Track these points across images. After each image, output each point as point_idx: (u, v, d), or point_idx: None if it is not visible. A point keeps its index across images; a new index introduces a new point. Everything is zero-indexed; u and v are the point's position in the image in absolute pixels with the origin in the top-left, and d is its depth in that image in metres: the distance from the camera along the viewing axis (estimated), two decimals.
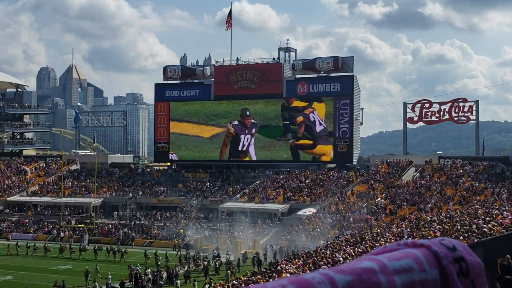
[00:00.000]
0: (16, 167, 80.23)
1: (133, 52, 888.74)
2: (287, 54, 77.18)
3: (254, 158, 73.16)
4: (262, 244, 51.59)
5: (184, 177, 72.95)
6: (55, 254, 50.45)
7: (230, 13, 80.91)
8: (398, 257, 1.31)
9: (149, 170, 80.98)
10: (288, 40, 79.22)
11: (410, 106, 71.85)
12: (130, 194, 69.51)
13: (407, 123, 72.60)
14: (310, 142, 71.02)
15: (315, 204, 59.93)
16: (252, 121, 73.24)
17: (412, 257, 1.32)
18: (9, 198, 71.51)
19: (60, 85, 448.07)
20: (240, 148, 73.68)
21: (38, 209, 69.20)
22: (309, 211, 57.88)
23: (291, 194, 63.47)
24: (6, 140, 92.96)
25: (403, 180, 61.63)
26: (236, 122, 74.01)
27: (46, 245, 52.13)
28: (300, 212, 58.47)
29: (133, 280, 38.40)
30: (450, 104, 69.51)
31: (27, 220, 65.80)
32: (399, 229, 38.78)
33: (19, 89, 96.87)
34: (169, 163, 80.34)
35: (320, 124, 70.58)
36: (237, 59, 76.92)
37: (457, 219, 34.08)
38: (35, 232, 62.72)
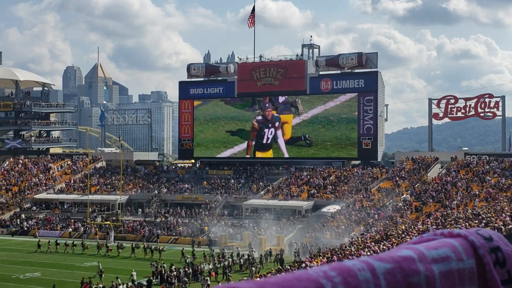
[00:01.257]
0: (43, 165, 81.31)
1: (157, 51, 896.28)
2: (310, 50, 76.92)
3: (286, 154, 72.93)
4: (287, 241, 51.65)
5: (208, 174, 73.27)
6: (93, 251, 50.68)
7: (253, 10, 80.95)
8: (435, 246, 1.33)
9: (173, 167, 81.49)
10: (311, 36, 78.93)
11: (435, 102, 71.15)
12: (156, 191, 70.00)
13: (432, 119, 71.91)
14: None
15: (339, 201, 59.75)
16: (275, 114, 73.16)
17: (450, 247, 1.34)
18: (36, 196, 72.52)
19: (85, 83, 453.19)
20: (264, 142, 73.66)
21: (65, 206, 70.06)
22: (333, 208, 57.72)
23: (315, 191, 63.35)
24: (33, 138, 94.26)
25: (429, 177, 61.13)
26: (259, 117, 74.06)
27: (83, 243, 52.54)
28: (325, 209, 58.34)
29: (159, 277, 38.70)
30: (475, 99, 68.68)
31: (54, 218, 66.65)
32: (424, 226, 38.50)
33: (46, 88, 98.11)
34: (193, 160, 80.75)
35: (283, 95, 73.09)
36: (260, 56, 76.95)
37: (483, 216, 33.72)
38: (62, 229, 63.48)
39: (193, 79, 79.10)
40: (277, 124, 73.20)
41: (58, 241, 53.00)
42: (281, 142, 73.01)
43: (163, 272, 38.65)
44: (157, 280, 38.45)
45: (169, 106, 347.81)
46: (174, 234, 58.97)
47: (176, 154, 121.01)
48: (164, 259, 45.28)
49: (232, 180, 69.99)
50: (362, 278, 1.19)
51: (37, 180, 76.47)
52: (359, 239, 41.07)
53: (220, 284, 33.38)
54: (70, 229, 62.71)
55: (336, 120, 71.18)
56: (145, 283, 36.12)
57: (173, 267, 39.28)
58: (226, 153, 76.03)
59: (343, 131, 70.71)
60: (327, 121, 71.39)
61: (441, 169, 63.80)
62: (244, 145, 75.24)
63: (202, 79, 78.51)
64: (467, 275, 1.33)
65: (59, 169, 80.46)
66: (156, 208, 66.78)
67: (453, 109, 69.61)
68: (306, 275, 1.16)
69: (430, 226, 37.43)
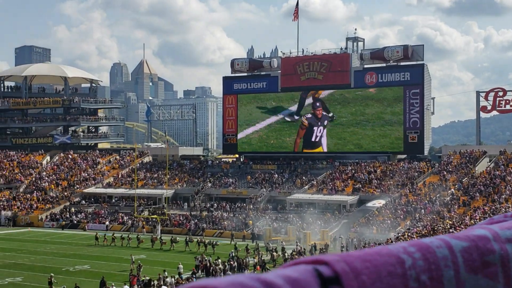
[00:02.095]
0: (91, 159, 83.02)
1: (201, 46, 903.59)
2: (354, 44, 76.15)
3: (325, 149, 72.73)
4: (331, 236, 51.52)
5: (252, 169, 73.55)
6: (147, 245, 51.04)
7: (297, 4, 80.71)
8: (509, 227, 1.34)
9: (218, 162, 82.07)
10: (356, 29, 78.14)
11: (483, 94, 69.70)
12: (201, 186, 70.65)
13: (480, 112, 70.48)
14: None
15: (385, 195, 59.20)
16: (324, 113, 72.80)
17: None
18: (85, 190, 74.11)
19: (132, 80, 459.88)
20: (313, 139, 73.44)
21: (113, 200, 71.43)
22: (378, 202, 57.26)
23: (360, 185, 62.90)
24: (81, 133, 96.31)
25: (477, 171, 60.00)
26: (309, 115, 73.81)
27: (138, 236, 53.14)
28: (370, 204, 57.91)
29: (204, 270, 39.15)
30: None
31: (102, 211, 68.03)
32: (472, 221, 37.89)
33: (93, 84, 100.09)
34: (237, 155, 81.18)
35: (327, 89, 73.47)
36: (302, 50, 76.68)
37: None
38: (110, 222, 64.71)
39: (236, 74, 79.39)
40: (326, 122, 72.83)
41: (114, 234, 53.74)
42: (324, 141, 72.72)
43: (208, 265, 39.07)
44: (202, 273, 38.91)
45: (213, 101, 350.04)
46: (219, 228, 59.47)
47: (220, 149, 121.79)
48: (209, 253, 45.74)
49: (276, 175, 70.11)
50: (440, 255, 1.21)
51: (86, 174, 78.15)
52: (405, 234, 40.67)
53: None
54: (107, 222, 64.07)
55: (351, 97, 71.48)
56: (190, 276, 36.62)
57: (219, 260, 39.68)
58: (249, 130, 76.80)
59: (358, 107, 71.04)
60: (342, 98, 72.03)
61: (489, 163, 62.52)
62: (270, 120, 75.89)
63: (245, 74, 78.73)
64: None
65: (107, 164, 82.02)
66: (201, 202, 67.48)
67: (501, 102, 68.05)
68: (386, 250, 1.18)
69: (478, 221, 36.80)
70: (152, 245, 50.99)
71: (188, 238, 51.09)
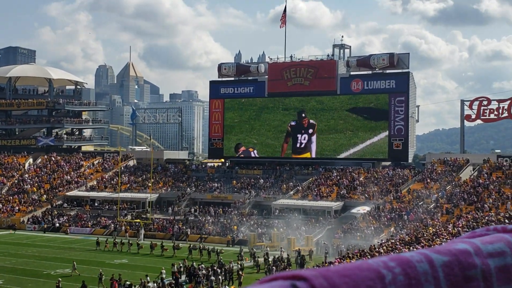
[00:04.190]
0: (75, 162, 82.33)
1: (188, 50, 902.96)
2: (341, 51, 76.43)
3: (313, 155, 72.49)
4: (315, 242, 51.46)
5: (237, 173, 73.34)
6: (146, 251, 50.13)
7: (284, 10, 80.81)
8: (490, 241, 1.32)
9: (203, 166, 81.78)
10: (342, 37, 78.37)
11: (467, 103, 70.16)
12: (188, 189, 70.24)
13: (465, 120, 70.91)
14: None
15: (369, 202, 59.29)
16: (311, 121, 72.67)
17: (505, 241, 1.33)
18: (68, 193, 73.44)
19: (117, 82, 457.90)
20: (298, 146, 73.31)
21: (96, 204, 70.83)
22: (363, 209, 57.33)
23: (345, 191, 62.96)
24: (65, 136, 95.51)
25: (460, 179, 60.30)
26: (293, 123, 73.69)
27: (138, 242, 52.30)
28: (354, 210, 57.97)
29: (187, 275, 38.86)
30: (509, 101, 67.44)
31: (85, 215, 67.42)
32: (455, 229, 38.01)
33: (78, 86, 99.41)
34: (223, 160, 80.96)
35: (313, 95, 74.08)
36: (291, 56, 76.75)
37: None
38: (93, 226, 64.14)
39: (223, 79, 79.23)
40: (310, 130, 72.61)
41: (116, 240, 52.73)
42: (313, 146, 72.50)
43: (191, 270, 38.79)
44: (186, 278, 38.62)
45: (200, 105, 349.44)
46: (204, 233, 59.12)
47: (206, 153, 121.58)
48: (213, 260, 45.39)
49: (262, 180, 69.97)
50: (421, 270, 1.20)
51: (68, 177, 77.47)
52: (389, 241, 40.71)
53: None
54: (112, 229, 63.29)
55: (337, 104, 71.76)
56: (173, 281, 36.37)
57: (203, 265, 39.43)
58: None
59: (343, 113, 71.42)
60: (329, 104, 73.01)
61: (473, 172, 62.86)
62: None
63: (232, 78, 78.61)
64: None
65: (91, 167, 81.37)
66: (185, 207, 67.11)
67: (485, 111, 68.49)
68: (366, 265, 1.17)
69: (461, 229, 36.94)
70: (151, 251, 49.90)
71: (192, 245, 49.87)
